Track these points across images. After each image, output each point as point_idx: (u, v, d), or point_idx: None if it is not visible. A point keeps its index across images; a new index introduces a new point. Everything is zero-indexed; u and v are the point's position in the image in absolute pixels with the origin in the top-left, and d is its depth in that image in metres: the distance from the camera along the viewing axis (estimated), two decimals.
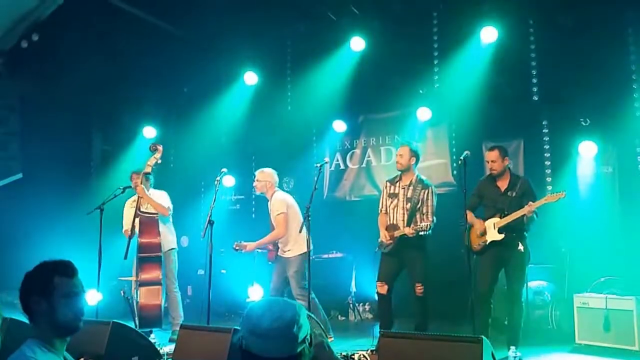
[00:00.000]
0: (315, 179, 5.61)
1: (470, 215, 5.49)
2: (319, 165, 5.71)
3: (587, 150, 6.85)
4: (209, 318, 5.58)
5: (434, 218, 5.51)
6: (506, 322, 5.59)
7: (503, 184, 5.42)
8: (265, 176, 6.22)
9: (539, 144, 7.35)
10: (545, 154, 7.30)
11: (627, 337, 5.32)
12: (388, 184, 5.83)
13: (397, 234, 5.51)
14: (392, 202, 5.70)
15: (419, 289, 5.47)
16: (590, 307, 5.62)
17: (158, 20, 8.15)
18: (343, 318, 8.03)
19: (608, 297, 5.53)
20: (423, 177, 5.74)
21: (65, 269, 2.17)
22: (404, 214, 5.59)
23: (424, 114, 7.80)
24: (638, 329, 5.28)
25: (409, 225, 5.47)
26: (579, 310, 5.70)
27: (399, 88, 7.99)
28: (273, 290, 6.20)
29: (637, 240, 6.35)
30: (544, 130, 7.35)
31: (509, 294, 5.41)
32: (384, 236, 5.62)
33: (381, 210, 5.79)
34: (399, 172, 5.75)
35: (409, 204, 5.56)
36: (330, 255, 8.12)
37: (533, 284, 6.38)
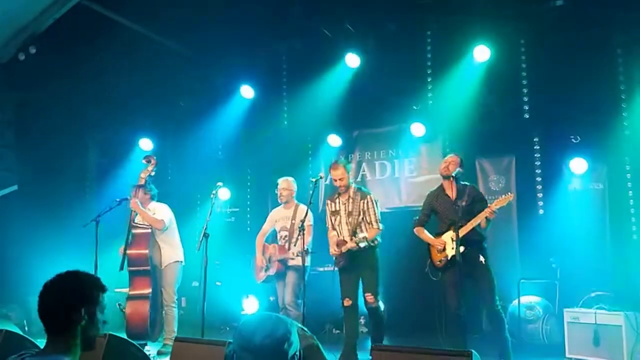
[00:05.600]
0: (311, 193, 5.70)
1: (424, 234, 5.50)
2: (314, 179, 5.78)
3: (577, 167, 6.95)
4: (204, 330, 5.61)
5: (380, 225, 5.61)
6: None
7: (452, 193, 5.36)
8: (291, 185, 6.40)
9: (530, 160, 7.45)
10: (537, 171, 7.40)
11: (616, 351, 5.40)
12: (329, 202, 5.94)
13: (343, 249, 5.62)
14: (335, 219, 5.80)
15: (369, 298, 5.58)
16: (581, 322, 5.71)
17: (155, 35, 8.21)
18: (337, 331, 8.03)
19: (598, 313, 5.61)
20: (361, 186, 5.87)
21: (103, 285, 2.21)
22: (348, 229, 5.68)
23: (417, 129, 7.88)
24: (627, 343, 5.36)
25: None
26: (570, 325, 5.79)
27: (394, 104, 8.09)
28: (280, 299, 6.29)
29: (626, 256, 6.46)
30: (535, 147, 7.46)
31: (483, 306, 5.43)
32: (332, 250, 5.73)
33: (329, 228, 5.90)
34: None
35: (350, 218, 5.66)
36: (326, 269, 8.12)
37: (525, 299, 6.46)
